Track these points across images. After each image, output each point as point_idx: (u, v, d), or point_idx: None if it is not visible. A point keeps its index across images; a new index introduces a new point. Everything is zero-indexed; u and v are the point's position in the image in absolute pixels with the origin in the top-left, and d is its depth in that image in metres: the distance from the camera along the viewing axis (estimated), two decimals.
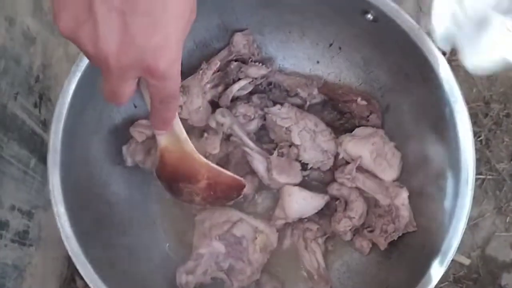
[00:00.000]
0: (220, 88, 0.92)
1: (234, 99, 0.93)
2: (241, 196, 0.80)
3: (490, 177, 1.24)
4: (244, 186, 0.79)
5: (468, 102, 1.22)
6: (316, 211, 0.91)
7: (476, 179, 1.21)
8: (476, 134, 1.25)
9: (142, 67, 0.46)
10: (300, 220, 0.93)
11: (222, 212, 0.90)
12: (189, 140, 0.68)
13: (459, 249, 1.18)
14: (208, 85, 0.89)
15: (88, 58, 0.47)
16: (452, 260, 1.16)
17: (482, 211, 1.23)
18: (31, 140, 0.94)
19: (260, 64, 0.91)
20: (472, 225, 1.21)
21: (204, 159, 0.72)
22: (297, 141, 0.89)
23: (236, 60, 0.92)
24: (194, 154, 0.70)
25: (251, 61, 0.92)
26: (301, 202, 0.88)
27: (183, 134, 0.67)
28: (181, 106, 0.88)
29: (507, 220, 1.22)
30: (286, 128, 0.90)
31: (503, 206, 1.23)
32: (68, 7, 0.44)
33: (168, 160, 0.70)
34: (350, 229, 0.89)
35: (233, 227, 0.87)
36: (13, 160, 0.89)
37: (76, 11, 0.44)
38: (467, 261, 1.20)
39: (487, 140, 1.26)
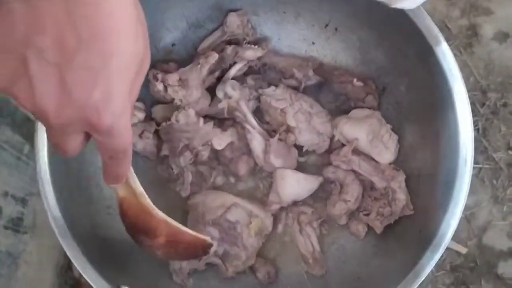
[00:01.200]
0: (216, 74, 0.90)
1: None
2: (209, 254, 0.74)
3: (487, 166, 1.22)
4: (210, 245, 0.72)
5: None
6: (310, 193, 0.88)
7: (473, 168, 1.20)
8: (473, 123, 1.23)
9: (84, 124, 0.42)
10: (295, 203, 0.90)
11: (216, 196, 0.87)
12: (145, 195, 0.63)
13: (456, 238, 1.18)
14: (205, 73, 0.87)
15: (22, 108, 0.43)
16: (449, 249, 1.17)
17: (478, 200, 1.21)
18: (25, 126, 0.92)
19: (256, 46, 0.88)
20: (469, 214, 1.20)
21: (163, 215, 0.66)
22: (292, 123, 0.86)
23: (229, 41, 0.90)
24: (151, 209, 0.65)
25: (246, 42, 0.89)
26: (295, 185, 0.86)
27: (139, 188, 0.63)
28: (180, 100, 0.85)
29: (504, 209, 1.21)
30: (281, 109, 0.87)
31: (500, 195, 1.21)
32: (2, 61, 0.40)
33: (127, 212, 0.65)
34: (345, 213, 0.87)
35: (227, 212, 0.84)
36: (6, 146, 0.87)
37: (10, 66, 0.39)
38: (464, 250, 1.18)
39: (484, 129, 1.24)
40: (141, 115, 0.87)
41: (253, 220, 0.85)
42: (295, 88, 0.91)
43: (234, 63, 0.89)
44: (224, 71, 0.90)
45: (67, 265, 1.14)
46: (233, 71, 0.88)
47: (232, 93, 0.86)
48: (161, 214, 0.66)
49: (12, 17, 0.38)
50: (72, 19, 0.38)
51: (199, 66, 0.85)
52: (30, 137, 0.92)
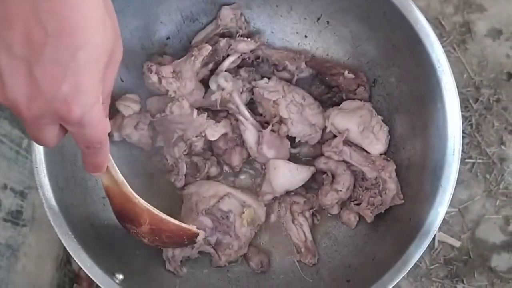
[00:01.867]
0: (210, 66, 0.90)
1: None
2: (195, 243, 0.77)
3: (480, 160, 1.22)
4: (196, 235, 0.75)
5: (458, 87, 1.22)
6: (303, 183, 0.89)
7: (466, 163, 1.21)
8: (466, 119, 1.24)
9: (55, 116, 0.43)
10: (287, 193, 0.90)
11: (210, 186, 0.87)
12: (126, 184, 0.65)
13: (450, 231, 1.18)
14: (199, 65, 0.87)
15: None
16: (443, 242, 1.17)
17: (472, 194, 1.21)
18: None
19: (249, 38, 0.88)
20: (462, 208, 1.20)
21: (145, 204, 0.68)
22: (284, 114, 0.86)
23: (223, 35, 0.90)
24: (133, 198, 0.66)
25: (239, 35, 0.89)
26: (287, 175, 0.86)
27: (120, 177, 0.64)
28: (174, 91, 0.85)
29: (497, 203, 1.21)
30: (274, 101, 0.87)
31: (493, 189, 1.21)
32: None
33: (113, 200, 0.67)
34: (336, 202, 0.87)
35: (220, 201, 0.85)
36: (5, 139, 0.87)
37: None
38: (457, 243, 1.18)
39: (478, 125, 1.24)
40: (136, 107, 0.87)
41: (246, 210, 0.86)
42: (288, 81, 0.91)
43: (228, 55, 0.89)
44: (218, 64, 0.90)
45: (66, 259, 1.14)
46: (226, 63, 0.88)
47: (225, 85, 0.86)
48: (143, 203, 0.67)
49: None
50: (39, 14, 0.38)
51: (192, 58, 0.85)
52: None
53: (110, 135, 0.87)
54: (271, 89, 0.87)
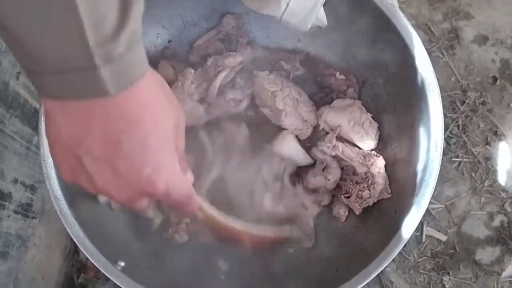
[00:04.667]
0: (204, 85, 0.89)
1: (221, 86, 0.90)
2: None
3: (466, 160, 1.23)
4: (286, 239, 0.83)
5: (446, 90, 1.23)
6: (297, 164, 0.89)
7: (453, 162, 1.21)
8: (453, 120, 1.24)
9: (144, 194, 0.47)
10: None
11: None
12: (214, 215, 0.72)
13: (437, 226, 1.19)
14: (193, 86, 0.86)
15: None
16: (430, 237, 1.18)
17: (458, 191, 1.22)
18: (34, 118, 0.92)
19: (235, 52, 0.89)
20: (449, 204, 1.21)
21: (241, 226, 0.76)
22: (280, 105, 0.86)
23: (223, 39, 0.90)
24: (227, 225, 0.74)
25: (239, 43, 0.90)
26: (293, 148, 0.87)
27: (210, 213, 0.72)
28: None
29: (482, 200, 1.22)
30: (272, 92, 0.87)
31: (478, 187, 1.22)
32: (64, 162, 0.45)
33: (211, 228, 0.76)
34: (320, 187, 0.88)
35: None
36: (16, 136, 0.87)
37: (70, 165, 0.44)
38: (444, 238, 1.19)
39: (464, 126, 1.25)
40: None
41: None
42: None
43: (219, 72, 0.88)
44: (211, 81, 0.89)
45: (74, 249, 1.15)
46: (218, 80, 0.88)
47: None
48: (238, 227, 0.77)
49: (65, 121, 0.42)
50: (111, 118, 0.41)
51: (180, 83, 0.85)
52: (38, 128, 0.93)
53: None
54: (270, 81, 0.87)
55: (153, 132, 0.43)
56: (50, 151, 0.46)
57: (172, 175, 0.47)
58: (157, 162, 0.45)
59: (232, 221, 0.76)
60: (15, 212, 0.87)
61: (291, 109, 0.86)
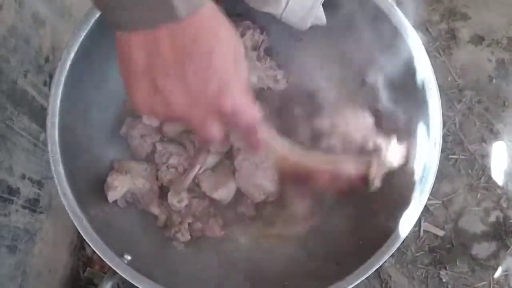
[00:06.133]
0: None
1: None
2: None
3: (463, 157, 1.23)
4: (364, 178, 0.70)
5: (443, 89, 1.23)
6: None
7: (450, 159, 1.22)
8: (450, 118, 1.24)
9: (214, 113, 0.49)
10: None
11: None
12: (287, 157, 0.66)
13: (434, 222, 1.19)
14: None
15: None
16: (428, 232, 1.18)
17: (455, 188, 1.22)
18: (41, 115, 0.92)
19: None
20: (446, 200, 1.21)
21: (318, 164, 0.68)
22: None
23: None
24: (301, 161, 0.67)
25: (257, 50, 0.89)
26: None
27: (281, 152, 0.66)
28: None
29: (478, 196, 1.22)
30: None
31: (475, 184, 1.22)
32: (139, 92, 0.47)
33: (282, 171, 0.69)
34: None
35: None
36: (24, 133, 0.87)
37: (146, 93, 0.47)
38: (441, 233, 1.19)
39: (461, 124, 1.25)
40: (155, 123, 0.88)
41: None
42: None
43: None
44: None
45: (80, 244, 1.15)
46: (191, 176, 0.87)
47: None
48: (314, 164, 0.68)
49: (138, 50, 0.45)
50: (178, 38, 0.44)
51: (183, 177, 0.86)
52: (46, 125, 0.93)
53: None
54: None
55: (218, 50, 0.46)
56: (125, 86, 0.48)
57: (238, 93, 0.49)
58: (223, 79, 0.47)
59: (309, 156, 0.68)
60: (23, 207, 0.88)
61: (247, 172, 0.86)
